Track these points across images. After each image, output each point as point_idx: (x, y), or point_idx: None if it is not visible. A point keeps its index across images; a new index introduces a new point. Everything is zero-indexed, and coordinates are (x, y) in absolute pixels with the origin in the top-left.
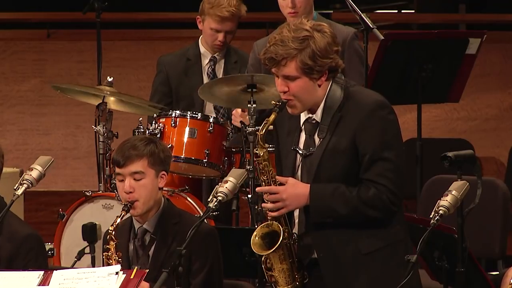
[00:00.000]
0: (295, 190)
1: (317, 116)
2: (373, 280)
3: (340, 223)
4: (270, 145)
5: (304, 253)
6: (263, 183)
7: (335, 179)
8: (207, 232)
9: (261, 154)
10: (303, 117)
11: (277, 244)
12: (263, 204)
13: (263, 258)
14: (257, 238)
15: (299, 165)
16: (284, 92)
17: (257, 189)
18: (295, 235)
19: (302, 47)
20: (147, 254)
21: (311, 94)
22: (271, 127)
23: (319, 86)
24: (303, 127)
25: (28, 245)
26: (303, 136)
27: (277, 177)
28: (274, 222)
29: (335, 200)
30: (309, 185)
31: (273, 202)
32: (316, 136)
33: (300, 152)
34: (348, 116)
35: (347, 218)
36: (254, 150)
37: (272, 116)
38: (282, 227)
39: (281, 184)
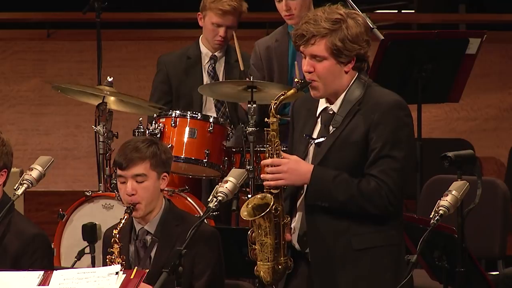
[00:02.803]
0: (297, 166)
1: (335, 107)
2: (359, 277)
3: (338, 213)
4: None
5: (303, 241)
6: (268, 154)
7: (341, 170)
8: (209, 234)
9: (271, 123)
10: (321, 106)
11: (264, 212)
12: (262, 176)
13: (249, 232)
14: (249, 205)
15: (308, 152)
16: (309, 72)
17: (262, 162)
18: (288, 218)
19: (333, 28)
20: (148, 256)
21: (335, 78)
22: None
23: (346, 72)
24: (319, 117)
25: (35, 245)
26: (318, 126)
27: (282, 153)
28: (268, 195)
29: (335, 185)
30: (312, 166)
31: (273, 173)
32: (331, 127)
33: (310, 139)
34: (365, 110)
35: (343, 206)
36: (266, 119)
37: (291, 91)
38: (275, 204)
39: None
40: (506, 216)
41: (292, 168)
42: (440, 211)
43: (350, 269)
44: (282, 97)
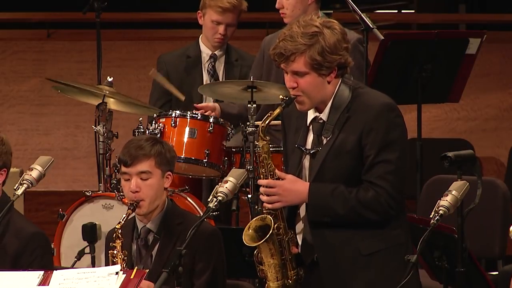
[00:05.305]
0: (293, 186)
1: (324, 115)
2: (371, 281)
3: (341, 223)
4: (274, 145)
5: (306, 252)
6: (262, 175)
7: (338, 179)
8: (210, 232)
9: (261, 146)
10: (311, 116)
11: (266, 237)
12: (260, 196)
13: (255, 252)
14: (250, 229)
15: (303, 163)
16: (293, 88)
17: (258, 181)
18: (291, 232)
19: (311, 43)
20: (150, 254)
21: (320, 90)
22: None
23: (329, 82)
24: (310, 126)
25: (34, 243)
26: (310, 136)
27: (276, 171)
28: (268, 216)
29: (334, 200)
30: (308, 183)
31: (269, 195)
32: (322, 137)
33: (304, 150)
34: (355, 116)
35: (344, 218)
36: (255, 141)
37: (277, 110)
38: (277, 223)
39: (279, 179)
40: (506, 216)
41: (288, 188)
42: (440, 211)
43: (361, 274)
44: (269, 118)
